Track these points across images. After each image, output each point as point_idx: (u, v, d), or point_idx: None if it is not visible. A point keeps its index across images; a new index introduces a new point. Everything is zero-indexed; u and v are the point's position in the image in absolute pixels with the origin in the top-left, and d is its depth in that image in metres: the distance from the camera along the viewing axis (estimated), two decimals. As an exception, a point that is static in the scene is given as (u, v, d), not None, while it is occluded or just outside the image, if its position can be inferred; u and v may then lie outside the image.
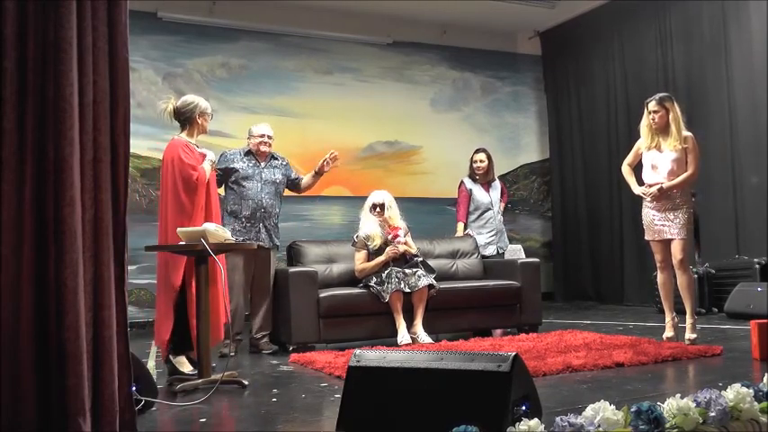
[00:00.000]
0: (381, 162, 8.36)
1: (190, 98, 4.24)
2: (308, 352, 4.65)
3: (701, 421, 2.12)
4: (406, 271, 5.05)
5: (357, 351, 2.51)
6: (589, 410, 2.07)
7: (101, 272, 2.31)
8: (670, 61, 7.52)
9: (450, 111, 8.82)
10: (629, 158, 4.87)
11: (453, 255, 5.91)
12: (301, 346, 4.79)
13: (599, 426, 2.03)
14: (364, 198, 5.52)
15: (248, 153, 5.25)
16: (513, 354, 2.22)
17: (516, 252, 7.12)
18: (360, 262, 5.19)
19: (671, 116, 4.59)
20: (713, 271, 6.49)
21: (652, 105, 4.63)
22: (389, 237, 5.19)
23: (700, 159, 4.61)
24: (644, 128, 4.71)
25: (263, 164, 5.24)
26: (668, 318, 4.65)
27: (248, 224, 5.10)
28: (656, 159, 4.63)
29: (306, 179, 5.50)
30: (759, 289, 5.73)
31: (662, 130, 4.62)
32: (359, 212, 5.52)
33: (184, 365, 3.89)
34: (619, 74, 8.19)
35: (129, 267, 2.43)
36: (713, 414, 2.13)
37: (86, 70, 2.30)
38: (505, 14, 8.36)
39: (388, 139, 8.42)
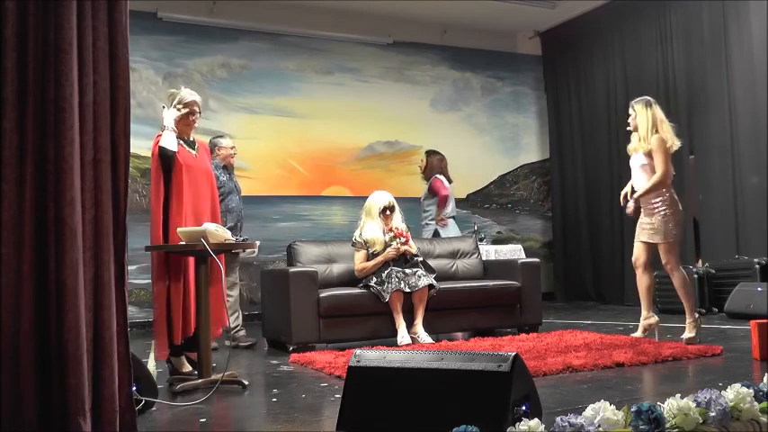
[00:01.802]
0: (381, 162, 8.36)
1: (170, 91, 4.07)
2: (308, 352, 4.65)
3: (701, 421, 2.12)
4: (407, 271, 5.04)
5: (357, 351, 2.51)
6: (589, 410, 2.07)
7: (101, 272, 2.30)
8: (670, 61, 7.52)
9: (450, 111, 8.82)
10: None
11: (453, 255, 5.91)
12: (301, 346, 4.79)
13: (599, 426, 2.03)
14: (364, 198, 5.51)
15: (223, 167, 5.44)
16: (514, 354, 2.22)
17: (516, 252, 7.12)
18: (359, 262, 5.19)
19: (639, 118, 4.67)
20: (713, 271, 6.49)
21: (630, 110, 4.77)
22: (395, 241, 5.14)
23: (667, 161, 4.59)
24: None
25: (233, 176, 5.54)
26: (642, 317, 4.77)
27: (232, 234, 5.20)
28: (631, 164, 4.74)
29: None
30: (759, 289, 5.73)
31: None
32: (359, 212, 5.51)
33: (184, 365, 3.89)
34: (619, 74, 8.18)
35: (129, 267, 2.43)
36: (713, 414, 2.13)
37: (86, 70, 2.30)
38: (505, 14, 8.36)
39: (388, 139, 8.42)
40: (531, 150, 9.32)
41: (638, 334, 4.74)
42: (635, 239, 4.76)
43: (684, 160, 7.38)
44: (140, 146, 6.96)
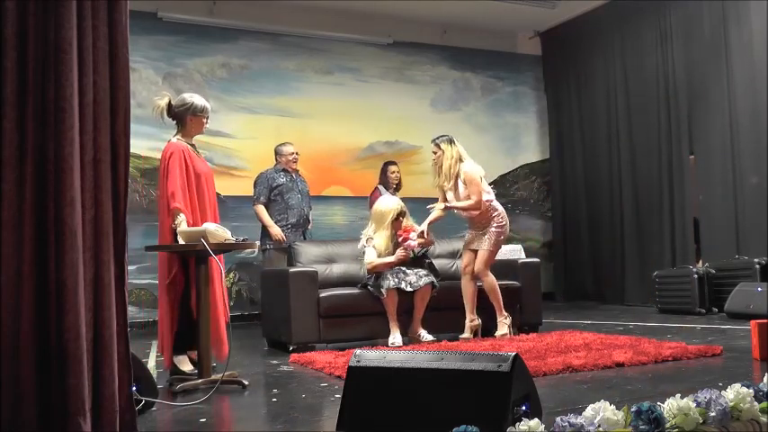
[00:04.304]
0: (381, 162, 8.32)
1: (187, 97, 4.00)
2: (308, 352, 4.65)
3: (701, 421, 2.11)
4: (407, 270, 5.02)
5: (357, 351, 2.51)
6: (589, 410, 2.07)
7: (101, 272, 2.30)
8: (670, 61, 7.52)
9: (450, 111, 8.81)
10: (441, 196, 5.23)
11: (453, 255, 5.90)
12: (301, 346, 4.78)
13: (599, 426, 2.03)
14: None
15: (283, 170, 6.04)
16: (514, 354, 2.22)
17: (516, 252, 7.12)
18: (372, 257, 5.09)
19: (445, 156, 5.04)
20: (713, 271, 6.48)
21: (432, 146, 5.10)
22: (400, 240, 5.09)
23: (481, 190, 4.99)
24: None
25: (296, 177, 6.05)
26: (468, 320, 5.06)
27: (294, 229, 5.86)
28: (449, 199, 5.11)
29: None
30: (759, 289, 5.72)
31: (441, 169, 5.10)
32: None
33: (185, 365, 3.89)
34: (619, 74, 8.19)
35: (129, 267, 2.42)
36: (713, 414, 2.13)
37: (86, 70, 2.29)
38: (505, 14, 8.36)
39: (388, 139, 8.41)
40: (531, 150, 9.31)
41: (467, 335, 5.03)
42: (464, 248, 5.19)
43: (684, 160, 7.39)
44: (140, 146, 6.98)
